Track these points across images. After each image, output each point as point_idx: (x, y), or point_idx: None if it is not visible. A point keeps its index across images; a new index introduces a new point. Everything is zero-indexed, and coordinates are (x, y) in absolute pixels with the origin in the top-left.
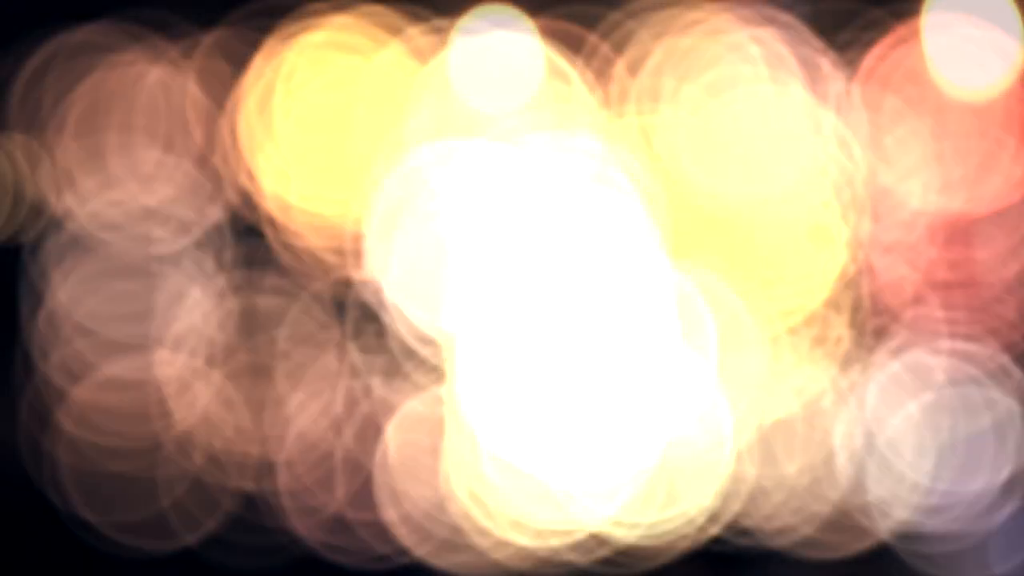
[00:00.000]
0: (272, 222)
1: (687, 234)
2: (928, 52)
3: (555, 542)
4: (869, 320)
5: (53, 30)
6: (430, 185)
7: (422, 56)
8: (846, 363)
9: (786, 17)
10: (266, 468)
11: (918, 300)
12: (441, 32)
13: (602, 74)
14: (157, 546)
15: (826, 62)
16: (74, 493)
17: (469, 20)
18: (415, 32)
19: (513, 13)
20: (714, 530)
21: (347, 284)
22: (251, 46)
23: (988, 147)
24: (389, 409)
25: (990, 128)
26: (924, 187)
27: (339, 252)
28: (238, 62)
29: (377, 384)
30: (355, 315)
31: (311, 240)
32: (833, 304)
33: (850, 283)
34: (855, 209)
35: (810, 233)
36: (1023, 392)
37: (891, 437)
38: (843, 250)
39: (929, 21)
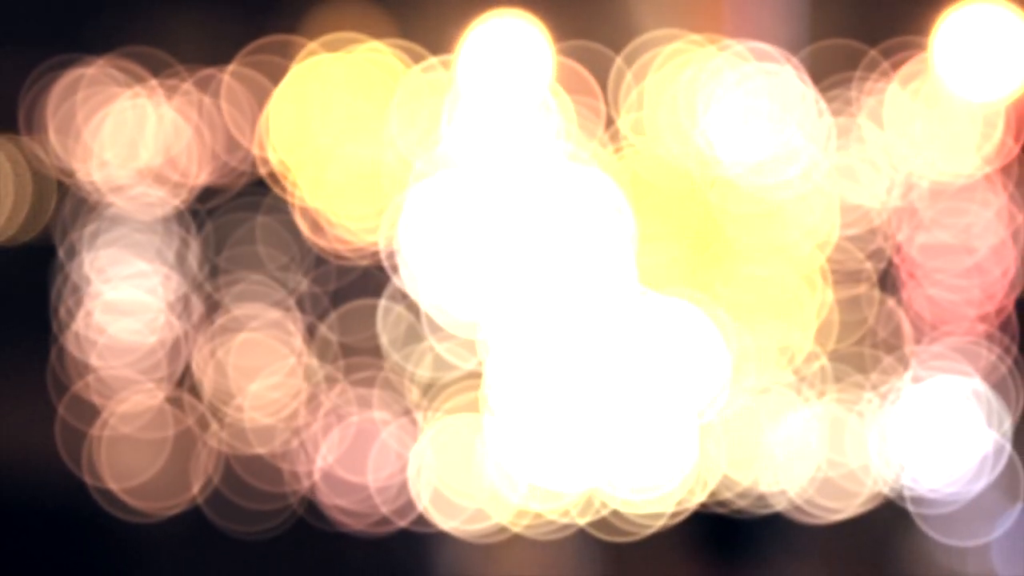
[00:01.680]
0: (307, 229)
1: (681, 261)
2: (932, 84)
3: (557, 503)
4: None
5: (68, 62)
6: (442, 202)
7: (425, 86)
8: (846, 346)
9: (785, 55)
10: (274, 434)
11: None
12: (436, 68)
13: (604, 108)
14: (166, 509)
15: (826, 99)
16: (95, 459)
17: (477, 30)
18: (415, 68)
19: (521, 17)
20: (714, 493)
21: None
22: (258, 82)
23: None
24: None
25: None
26: (925, 216)
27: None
28: (251, 93)
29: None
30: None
31: (347, 250)
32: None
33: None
34: (848, 235)
35: (806, 261)
36: (1000, 379)
37: (889, 417)
38: (835, 272)
39: (939, 42)
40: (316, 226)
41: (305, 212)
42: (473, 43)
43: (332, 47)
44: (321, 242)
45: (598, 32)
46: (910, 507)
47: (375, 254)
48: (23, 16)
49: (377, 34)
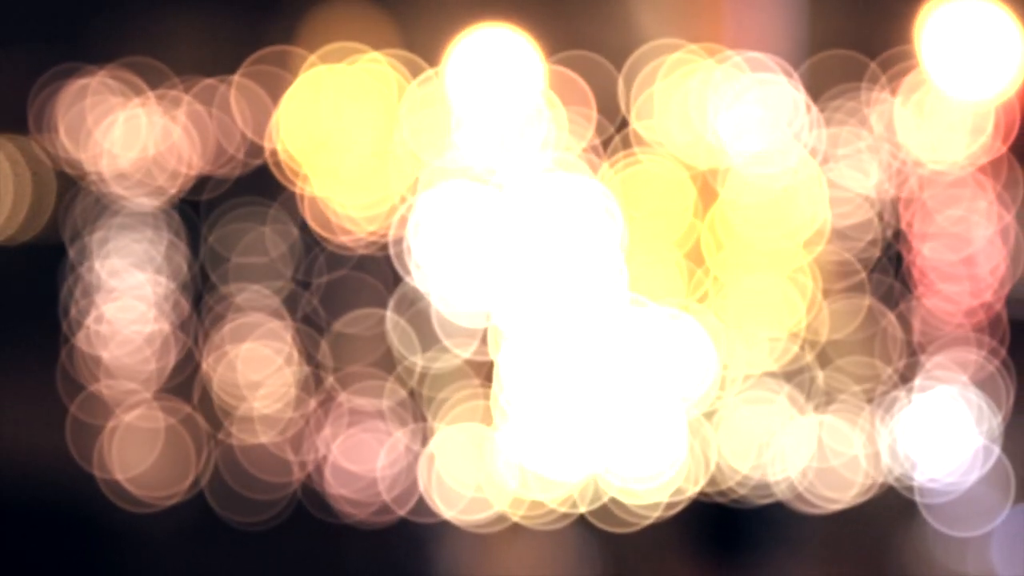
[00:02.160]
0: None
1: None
2: (924, 85)
3: (556, 492)
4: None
5: (70, 71)
6: (443, 208)
7: (423, 97)
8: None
9: (784, 67)
10: (276, 424)
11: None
12: (434, 79)
13: (598, 118)
14: (169, 499)
15: (822, 110)
16: (100, 450)
17: (466, 41)
18: (415, 80)
19: (510, 27)
20: (715, 482)
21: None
22: (259, 92)
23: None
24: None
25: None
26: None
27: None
28: (251, 104)
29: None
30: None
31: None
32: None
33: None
34: (840, 247)
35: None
36: (988, 377)
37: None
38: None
39: (927, 41)
40: (321, 217)
41: (311, 203)
42: (463, 53)
43: (332, 58)
44: (327, 233)
45: (596, 43)
46: (910, 496)
47: (380, 245)
48: (28, 23)
49: (376, 45)
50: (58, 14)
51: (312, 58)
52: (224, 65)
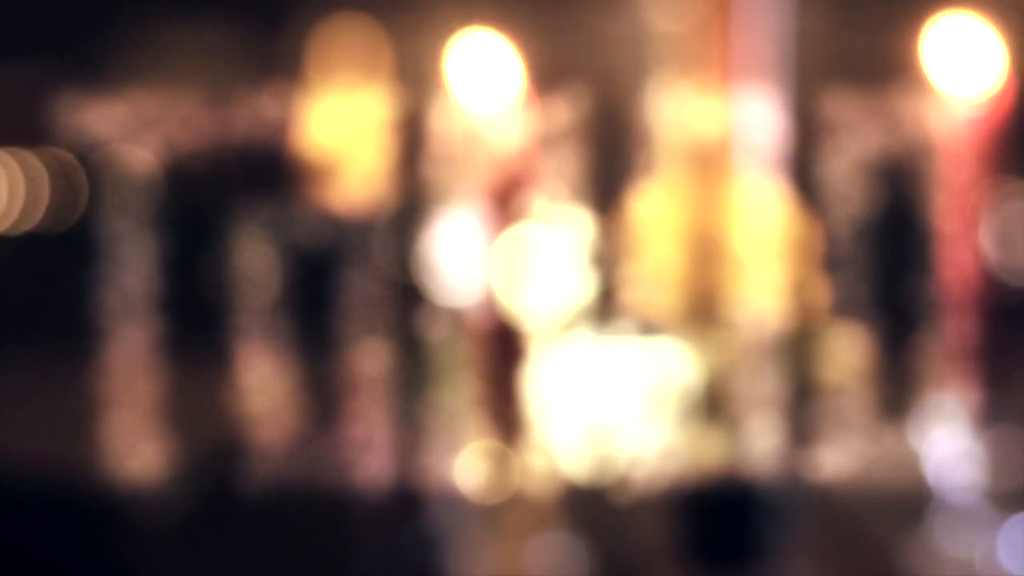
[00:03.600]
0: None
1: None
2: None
3: (557, 464)
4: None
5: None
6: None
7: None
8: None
9: (779, 89)
10: (272, 398)
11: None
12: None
13: (590, 135)
14: (165, 480)
15: (818, 130)
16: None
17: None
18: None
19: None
20: (716, 464)
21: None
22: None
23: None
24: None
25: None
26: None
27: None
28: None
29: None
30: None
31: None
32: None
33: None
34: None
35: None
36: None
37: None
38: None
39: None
40: (324, 184)
41: (313, 169)
42: (458, 64)
43: (338, 85)
44: (329, 201)
45: (591, 71)
46: (914, 479)
47: (390, 221)
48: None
49: (380, 69)
50: (57, 33)
51: (313, 89)
52: (228, 89)
